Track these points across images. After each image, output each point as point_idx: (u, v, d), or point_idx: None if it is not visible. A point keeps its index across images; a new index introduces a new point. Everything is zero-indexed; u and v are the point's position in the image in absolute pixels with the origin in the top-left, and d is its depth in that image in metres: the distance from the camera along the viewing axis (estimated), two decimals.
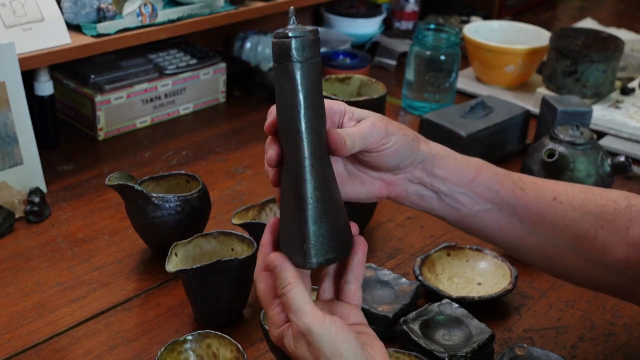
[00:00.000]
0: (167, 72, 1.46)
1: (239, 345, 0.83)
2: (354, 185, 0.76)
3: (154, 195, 1.01)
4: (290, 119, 0.66)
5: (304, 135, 0.65)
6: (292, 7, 0.67)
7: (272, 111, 0.70)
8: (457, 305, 0.95)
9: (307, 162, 0.65)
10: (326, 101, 0.70)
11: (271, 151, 0.67)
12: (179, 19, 1.36)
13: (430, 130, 1.34)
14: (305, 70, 0.65)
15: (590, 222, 0.77)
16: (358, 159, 0.73)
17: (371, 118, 0.72)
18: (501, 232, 0.79)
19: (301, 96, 0.65)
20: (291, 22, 0.66)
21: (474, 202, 0.77)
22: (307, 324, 0.64)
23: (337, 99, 0.72)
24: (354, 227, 0.72)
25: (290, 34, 0.64)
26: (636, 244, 0.77)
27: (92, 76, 1.38)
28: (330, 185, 0.68)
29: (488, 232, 0.80)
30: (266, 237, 0.70)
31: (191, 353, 0.84)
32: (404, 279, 1.00)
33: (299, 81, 0.65)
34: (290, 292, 0.66)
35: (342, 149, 0.68)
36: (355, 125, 0.71)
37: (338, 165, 0.74)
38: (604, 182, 1.19)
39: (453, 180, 0.76)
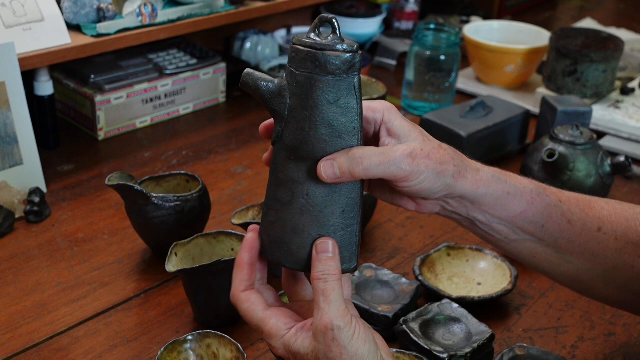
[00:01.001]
0: (167, 72, 1.46)
1: (239, 345, 0.83)
2: (383, 188, 0.72)
3: (154, 195, 1.01)
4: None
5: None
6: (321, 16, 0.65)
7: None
8: (457, 305, 0.95)
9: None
10: (365, 106, 0.66)
11: None
12: (179, 19, 1.36)
13: (430, 130, 1.33)
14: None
15: (629, 252, 0.76)
16: None
17: (405, 149, 0.65)
18: (534, 259, 0.76)
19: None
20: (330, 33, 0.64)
21: (513, 233, 0.74)
22: (338, 319, 0.63)
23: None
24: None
25: (355, 48, 0.63)
26: None
27: (92, 76, 1.38)
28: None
29: (519, 257, 0.77)
30: (245, 257, 0.67)
31: (191, 353, 0.84)
32: (404, 279, 1.00)
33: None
34: (334, 282, 0.64)
35: (332, 179, 0.63)
36: (385, 148, 0.66)
37: None
38: (604, 182, 1.19)
39: (495, 214, 0.72)
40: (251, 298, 0.67)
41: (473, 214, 0.72)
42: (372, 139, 0.69)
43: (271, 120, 0.68)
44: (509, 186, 0.72)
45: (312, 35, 0.64)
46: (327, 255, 0.64)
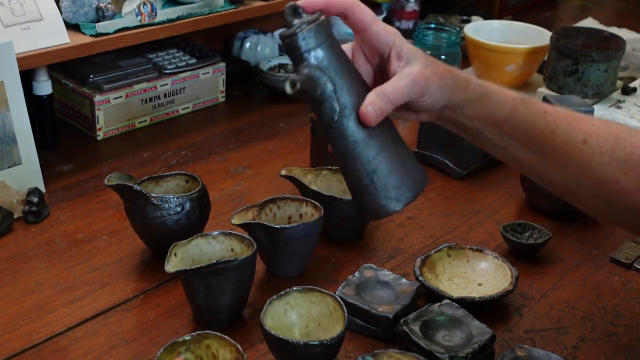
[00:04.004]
0: (167, 71, 1.45)
1: (238, 345, 0.83)
2: None
3: (154, 195, 1.00)
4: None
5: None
6: (289, 4, 0.71)
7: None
8: (457, 305, 0.94)
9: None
10: (377, 30, 0.74)
11: None
12: (178, 19, 1.36)
13: (431, 130, 1.33)
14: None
15: (615, 168, 0.79)
16: None
17: (414, 70, 0.73)
18: (523, 166, 0.83)
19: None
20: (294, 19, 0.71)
21: (500, 139, 0.79)
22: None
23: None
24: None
25: (295, 30, 0.70)
26: None
27: (91, 76, 1.38)
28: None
29: (510, 163, 0.83)
30: None
31: (190, 354, 0.84)
32: (404, 280, 1.00)
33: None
34: None
35: (375, 120, 0.71)
36: (397, 77, 0.73)
37: (369, 77, 0.77)
38: None
39: (482, 119, 0.78)
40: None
41: (463, 120, 0.79)
42: (385, 61, 0.76)
43: None
44: (492, 93, 0.78)
45: (295, 20, 0.71)
46: None
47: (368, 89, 0.73)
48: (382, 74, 0.77)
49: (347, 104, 0.71)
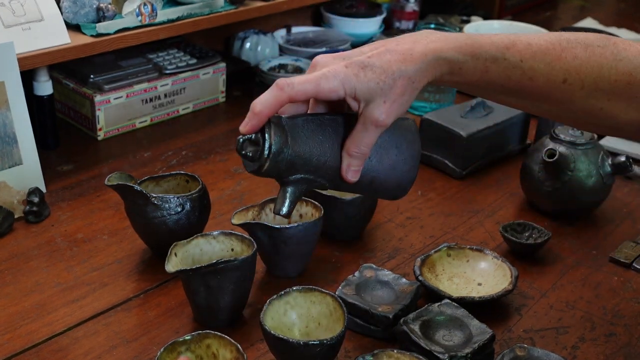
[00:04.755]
0: (167, 71, 1.45)
1: (238, 345, 0.83)
2: None
3: (154, 195, 1.01)
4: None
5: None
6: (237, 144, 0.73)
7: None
8: (457, 305, 0.94)
9: None
10: (324, 93, 0.73)
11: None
12: (178, 19, 1.36)
13: (430, 130, 1.33)
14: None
15: (597, 97, 0.79)
16: None
17: (374, 115, 0.74)
18: (509, 105, 0.85)
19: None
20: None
21: (477, 91, 0.82)
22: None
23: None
24: None
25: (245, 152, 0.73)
26: None
27: (92, 76, 1.38)
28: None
29: (496, 103, 0.88)
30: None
31: (191, 353, 0.84)
32: (404, 280, 1.00)
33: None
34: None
35: (358, 177, 0.76)
36: (361, 127, 0.75)
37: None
38: (605, 182, 1.19)
39: (454, 83, 0.79)
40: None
41: (439, 81, 0.79)
42: (342, 102, 0.76)
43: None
44: (463, 63, 0.77)
45: (250, 150, 0.74)
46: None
47: (339, 145, 0.75)
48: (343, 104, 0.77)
49: (331, 178, 0.76)
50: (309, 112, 0.77)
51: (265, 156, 0.71)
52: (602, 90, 0.78)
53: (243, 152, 0.72)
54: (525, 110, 0.89)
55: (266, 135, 0.71)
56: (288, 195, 0.74)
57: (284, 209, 0.74)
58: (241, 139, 0.72)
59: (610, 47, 0.79)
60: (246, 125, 0.72)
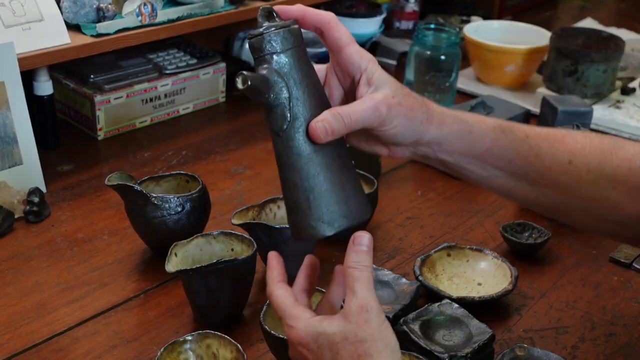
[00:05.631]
0: (167, 72, 1.46)
1: (238, 345, 0.83)
2: (359, 136, 0.75)
3: (154, 195, 1.01)
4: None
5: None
6: (265, 6, 0.70)
7: None
8: (457, 305, 0.94)
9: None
10: (351, 52, 0.71)
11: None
12: (178, 19, 1.36)
13: None
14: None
15: (603, 184, 0.77)
16: None
17: (377, 96, 0.69)
18: (509, 193, 0.80)
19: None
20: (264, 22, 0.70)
21: (483, 170, 0.77)
22: (373, 301, 0.67)
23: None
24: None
25: (263, 31, 0.69)
26: None
27: (92, 76, 1.38)
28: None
29: (495, 191, 0.81)
30: (276, 258, 0.75)
31: (191, 353, 0.84)
32: (404, 279, 1.00)
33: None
34: (367, 272, 0.68)
35: (323, 138, 0.68)
36: (359, 101, 0.70)
37: (340, 101, 0.75)
38: None
39: (463, 153, 0.75)
40: (287, 288, 0.72)
41: (441, 156, 0.76)
42: (355, 85, 0.73)
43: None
44: (471, 125, 0.75)
45: (265, 23, 0.69)
46: (362, 248, 0.69)
47: (328, 108, 0.70)
48: (352, 99, 0.73)
49: (299, 116, 0.69)
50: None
51: (273, 29, 0.68)
52: (607, 176, 0.77)
53: (264, 14, 0.70)
54: (530, 202, 0.81)
55: (282, 27, 0.69)
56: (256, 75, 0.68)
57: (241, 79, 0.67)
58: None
59: (607, 138, 0.81)
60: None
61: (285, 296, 0.71)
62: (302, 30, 0.71)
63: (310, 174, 0.69)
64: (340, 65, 0.73)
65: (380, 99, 0.69)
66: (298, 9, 0.71)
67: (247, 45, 1.68)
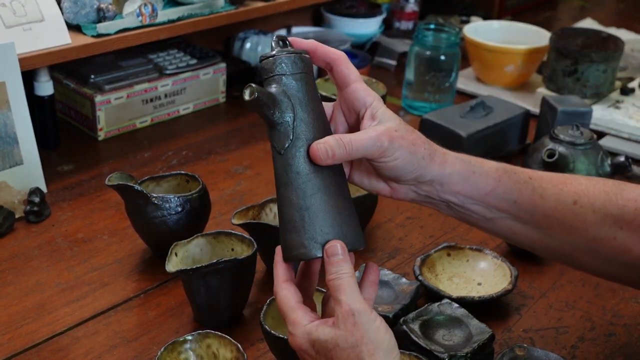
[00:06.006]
0: (167, 72, 1.46)
1: (239, 345, 0.83)
2: (361, 172, 0.76)
3: (154, 195, 1.01)
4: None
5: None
6: (279, 34, 0.72)
7: None
8: (457, 305, 0.94)
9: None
10: (357, 88, 0.73)
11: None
12: (179, 19, 1.36)
13: (430, 130, 1.33)
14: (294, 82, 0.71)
15: (610, 224, 0.77)
16: None
17: (380, 127, 0.70)
18: (515, 235, 0.79)
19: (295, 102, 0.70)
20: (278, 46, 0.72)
21: (487, 212, 0.76)
22: (358, 303, 0.67)
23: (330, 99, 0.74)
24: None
25: (275, 54, 0.71)
26: None
27: (92, 76, 1.38)
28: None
29: (501, 235, 0.80)
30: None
31: (191, 353, 0.84)
32: (404, 279, 1.00)
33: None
34: (349, 278, 0.68)
35: (323, 159, 0.69)
36: (362, 131, 0.71)
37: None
38: None
39: (467, 194, 0.75)
40: (290, 288, 0.72)
41: (445, 196, 0.75)
42: (358, 120, 0.74)
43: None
44: (475, 166, 0.75)
45: (277, 48, 0.72)
46: (337, 258, 0.69)
47: (330, 134, 0.71)
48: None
49: (302, 137, 0.70)
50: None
51: (285, 54, 0.71)
52: (613, 216, 0.76)
53: (277, 41, 0.72)
54: (535, 245, 0.80)
55: (294, 52, 0.71)
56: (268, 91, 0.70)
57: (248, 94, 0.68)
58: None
59: (610, 180, 0.80)
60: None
61: (288, 298, 0.71)
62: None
63: (307, 193, 0.70)
64: (347, 100, 0.74)
65: (383, 130, 0.70)
66: (310, 42, 0.73)
67: (247, 45, 1.68)
